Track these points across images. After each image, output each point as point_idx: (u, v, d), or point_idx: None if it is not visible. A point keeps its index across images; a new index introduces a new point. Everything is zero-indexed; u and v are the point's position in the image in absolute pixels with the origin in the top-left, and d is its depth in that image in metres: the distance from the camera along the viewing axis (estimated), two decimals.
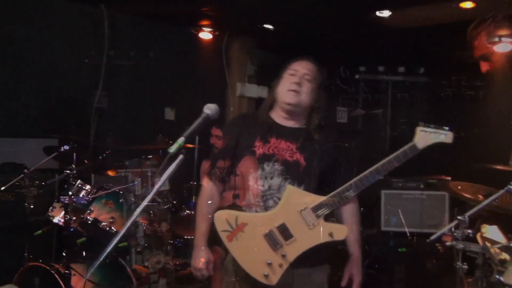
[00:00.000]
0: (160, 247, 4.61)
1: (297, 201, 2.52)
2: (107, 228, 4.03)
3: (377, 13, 5.05)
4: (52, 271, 3.59)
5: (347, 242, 2.69)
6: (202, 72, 6.40)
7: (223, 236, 2.52)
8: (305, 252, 2.49)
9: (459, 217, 2.81)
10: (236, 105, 6.78)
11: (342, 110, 8.00)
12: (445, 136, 2.44)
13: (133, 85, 5.82)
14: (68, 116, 5.16)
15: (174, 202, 4.81)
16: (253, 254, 2.51)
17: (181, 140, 1.91)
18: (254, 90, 6.80)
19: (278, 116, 2.70)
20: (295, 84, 2.61)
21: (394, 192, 4.34)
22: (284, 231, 2.49)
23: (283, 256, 2.48)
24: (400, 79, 7.15)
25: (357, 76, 7.36)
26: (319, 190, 2.57)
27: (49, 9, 5.12)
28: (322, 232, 2.48)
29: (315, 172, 2.59)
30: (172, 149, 1.89)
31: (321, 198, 2.49)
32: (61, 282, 3.54)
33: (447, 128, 2.44)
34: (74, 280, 3.66)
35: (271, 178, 2.57)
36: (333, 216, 3.03)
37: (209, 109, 2.14)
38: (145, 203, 1.83)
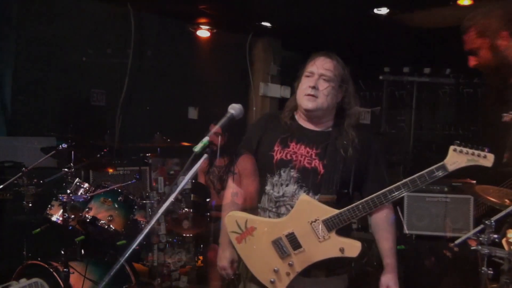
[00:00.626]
0: (182, 245, 4.61)
1: (309, 211, 2.43)
2: (106, 226, 4.02)
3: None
4: (51, 270, 3.60)
5: (380, 252, 2.56)
6: (225, 71, 6.42)
7: (233, 237, 2.51)
8: (316, 262, 2.41)
9: (485, 222, 2.75)
10: (258, 105, 6.83)
11: (364, 111, 7.84)
12: (483, 158, 2.25)
13: (156, 84, 5.85)
14: (88, 116, 5.21)
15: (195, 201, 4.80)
16: (260, 259, 2.48)
17: (205, 139, 1.94)
18: (277, 90, 6.84)
19: (301, 118, 2.60)
20: (311, 88, 2.46)
21: (418, 195, 4.29)
22: (293, 240, 2.42)
23: (290, 265, 2.42)
24: (426, 80, 7.00)
25: (381, 77, 7.23)
26: (341, 200, 2.46)
27: (76, 9, 5.20)
28: (333, 247, 2.38)
29: (335, 181, 2.45)
30: (197, 148, 1.90)
31: (334, 211, 2.39)
32: (60, 281, 3.54)
33: (486, 149, 2.25)
34: (73, 278, 3.67)
35: (286, 185, 2.49)
36: (365, 222, 3.00)
37: (234, 109, 2.16)
38: (169, 201, 1.84)
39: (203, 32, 6.41)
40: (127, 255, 1.79)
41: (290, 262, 2.41)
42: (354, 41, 6.25)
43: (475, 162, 2.25)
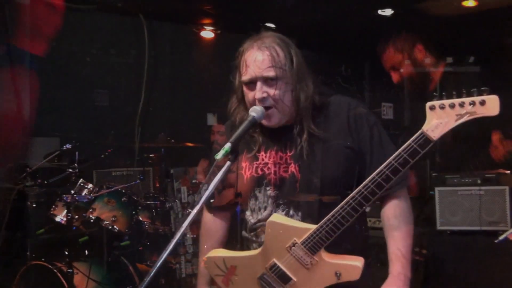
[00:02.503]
0: None
1: (282, 235, 1.95)
2: (110, 227, 4.02)
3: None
4: (55, 270, 3.59)
5: (388, 255, 2.02)
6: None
7: (218, 281, 2.13)
8: None
9: None
10: None
11: (387, 105, 7.65)
12: (481, 106, 1.59)
13: (174, 91, 5.90)
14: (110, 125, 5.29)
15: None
16: None
17: (227, 146, 1.78)
18: None
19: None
20: (259, 101, 1.97)
21: (449, 189, 4.14)
22: (279, 273, 1.97)
23: None
24: (449, 69, 6.80)
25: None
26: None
27: (90, 22, 5.30)
28: (326, 273, 1.90)
29: (319, 183, 1.99)
30: (219, 155, 1.76)
31: (311, 228, 1.89)
32: (63, 281, 3.54)
33: (483, 91, 1.60)
34: (76, 279, 3.67)
35: (265, 208, 2.09)
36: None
37: (255, 111, 1.93)
38: (195, 211, 1.71)
39: (207, 33, 6.41)
40: (158, 266, 1.71)
41: None
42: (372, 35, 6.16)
43: (471, 115, 1.62)
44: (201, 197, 1.76)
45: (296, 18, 5.69)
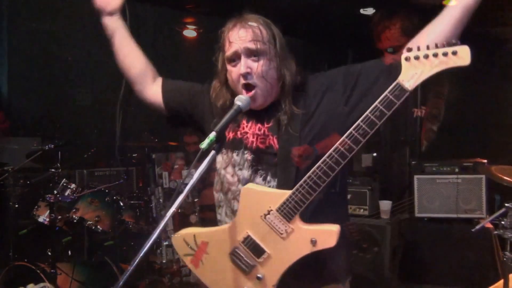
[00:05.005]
0: None
1: (257, 203, 1.90)
2: (93, 227, 4.02)
3: None
4: (38, 271, 3.57)
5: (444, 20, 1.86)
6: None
7: (187, 261, 2.04)
8: (294, 269, 1.87)
9: (507, 205, 2.69)
10: None
11: None
12: (454, 56, 1.65)
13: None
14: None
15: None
16: (224, 280, 1.97)
17: (212, 135, 1.75)
18: None
19: None
20: (243, 76, 1.95)
21: (428, 177, 4.24)
22: (253, 246, 1.90)
23: (259, 279, 1.89)
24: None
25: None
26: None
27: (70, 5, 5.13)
28: (301, 241, 1.83)
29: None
30: (204, 144, 1.74)
31: (288, 193, 1.84)
32: (47, 282, 3.52)
33: (455, 42, 1.66)
34: (60, 279, 3.65)
35: (240, 169, 2.05)
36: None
37: (240, 100, 1.89)
38: (179, 200, 1.69)
39: (190, 32, 6.40)
40: (142, 254, 1.67)
41: (259, 275, 1.90)
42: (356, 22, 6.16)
43: (444, 65, 1.67)
44: (186, 187, 1.74)
45: (280, 6, 5.69)
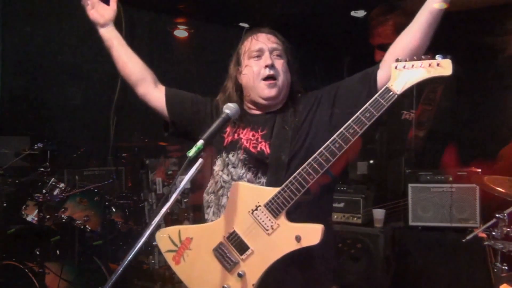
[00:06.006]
0: None
1: (247, 198, 1.94)
2: (82, 227, 4.01)
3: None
4: (26, 270, 3.56)
5: (418, 18, 2.01)
6: (224, 62, 6.33)
7: (169, 258, 2.04)
8: (277, 268, 1.89)
9: (497, 215, 2.71)
10: None
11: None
12: (438, 67, 1.84)
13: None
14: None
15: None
16: (204, 278, 1.96)
17: (200, 143, 1.78)
18: None
19: (249, 108, 2.26)
20: (268, 68, 2.12)
21: (422, 186, 4.25)
22: (237, 242, 1.92)
23: (240, 276, 1.89)
24: None
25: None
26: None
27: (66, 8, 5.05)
28: (286, 237, 1.85)
29: (287, 159, 2.05)
30: (191, 152, 1.76)
31: (277, 190, 1.91)
32: (35, 281, 3.51)
33: (438, 56, 1.85)
34: (48, 278, 3.64)
35: (234, 167, 2.13)
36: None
37: (229, 108, 1.95)
38: (168, 206, 1.72)
39: (181, 32, 6.38)
40: (130, 257, 1.67)
41: (240, 272, 1.90)
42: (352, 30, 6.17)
43: (429, 74, 1.85)
44: (175, 189, 1.76)
45: (274, 13, 5.71)
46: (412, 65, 1.86)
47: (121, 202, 4.40)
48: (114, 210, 4.29)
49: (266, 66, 2.12)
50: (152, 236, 1.77)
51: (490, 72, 5.54)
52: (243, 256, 1.91)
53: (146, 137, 5.06)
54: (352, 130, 1.86)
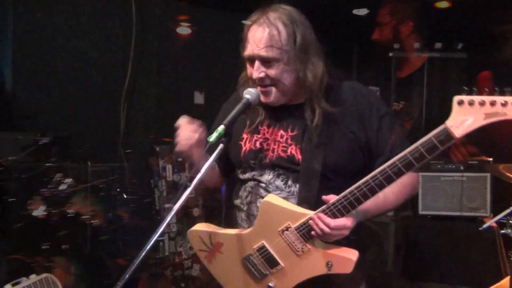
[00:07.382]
0: None
1: (276, 216, 1.87)
2: (88, 222, 4.01)
3: None
4: (33, 264, 3.56)
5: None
6: (232, 54, 6.24)
7: (202, 256, 2.09)
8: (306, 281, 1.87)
9: None
10: None
11: (373, 90, 7.41)
12: (504, 107, 1.44)
13: (160, 69, 5.69)
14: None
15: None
16: (235, 282, 2.02)
17: (221, 128, 1.75)
18: None
19: None
20: (257, 80, 1.94)
21: (432, 174, 4.16)
22: (267, 256, 1.90)
23: None
24: (437, 55, 6.57)
25: (390, 54, 6.87)
26: (341, 190, 1.80)
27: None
28: (316, 262, 1.82)
29: (320, 168, 1.89)
30: (212, 138, 1.73)
31: (308, 214, 1.82)
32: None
33: (507, 91, 1.46)
34: (55, 273, 3.63)
35: (261, 175, 2.01)
36: None
37: (250, 93, 1.89)
38: (186, 194, 1.68)
39: (183, 29, 6.33)
40: (148, 246, 1.65)
41: (271, 285, 1.91)
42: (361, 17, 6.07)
43: (501, 116, 1.44)
44: (193, 181, 1.73)
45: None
46: (481, 102, 1.49)
47: (127, 197, 4.40)
48: (120, 204, 4.29)
49: (256, 80, 1.94)
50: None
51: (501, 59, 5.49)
52: (273, 270, 1.92)
53: (149, 133, 5.03)
54: (396, 169, 1.66)
